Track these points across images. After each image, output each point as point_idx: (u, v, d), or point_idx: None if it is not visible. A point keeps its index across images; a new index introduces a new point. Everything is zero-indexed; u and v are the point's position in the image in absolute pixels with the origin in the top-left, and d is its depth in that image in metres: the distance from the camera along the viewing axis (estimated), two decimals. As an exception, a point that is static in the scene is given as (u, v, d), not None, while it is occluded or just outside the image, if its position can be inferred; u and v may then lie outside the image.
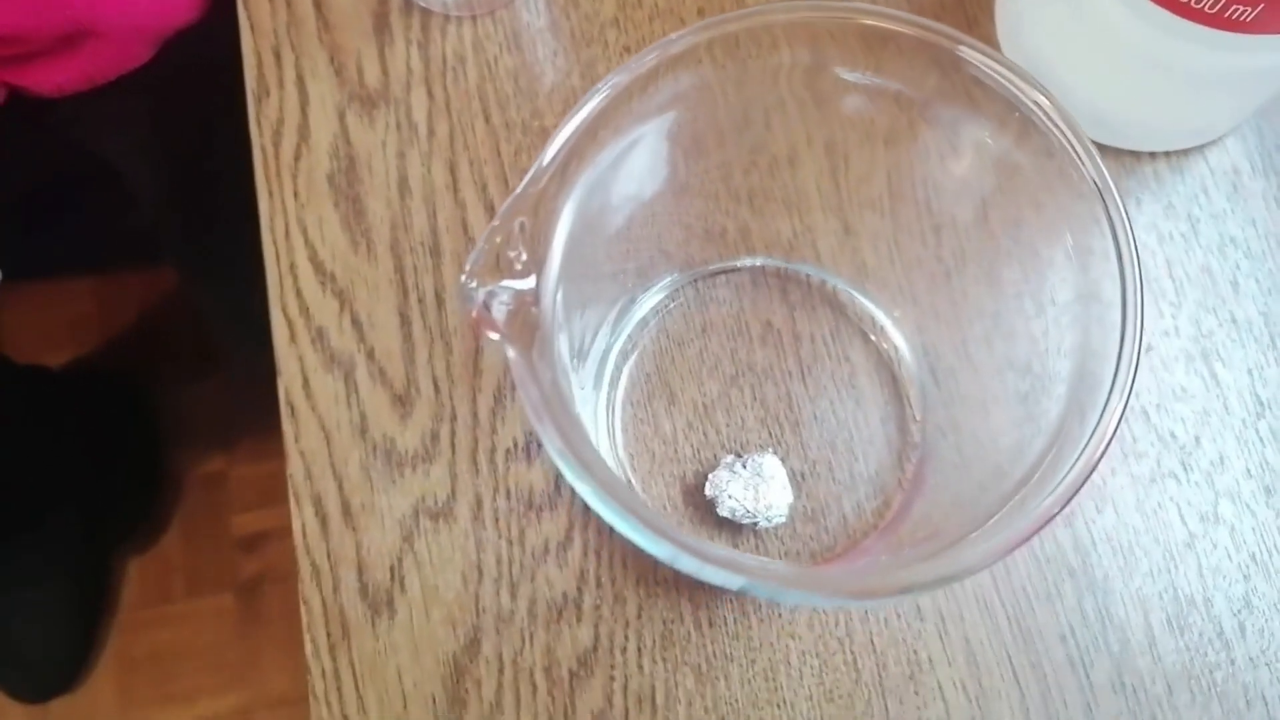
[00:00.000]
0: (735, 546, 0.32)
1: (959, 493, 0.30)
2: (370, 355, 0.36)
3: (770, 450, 0.34)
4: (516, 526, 0.34)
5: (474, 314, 0.22)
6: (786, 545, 0.33)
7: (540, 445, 0.35)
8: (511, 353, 0.21)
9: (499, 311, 0.22)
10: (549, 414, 0.21)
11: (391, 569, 0.34)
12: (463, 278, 0.22)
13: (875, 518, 0.34)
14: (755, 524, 0.33)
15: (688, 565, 0.20)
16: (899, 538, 0.32)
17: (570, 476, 0.20)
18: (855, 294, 0.37)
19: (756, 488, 0.32)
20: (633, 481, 0.33)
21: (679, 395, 0.35)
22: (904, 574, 0.20)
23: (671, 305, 0.37)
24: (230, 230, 0.45)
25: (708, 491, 0.33)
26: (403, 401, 0.35)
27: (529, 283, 0.23)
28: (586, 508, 0.34)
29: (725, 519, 0.33)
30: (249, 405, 0.95)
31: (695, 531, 0.32)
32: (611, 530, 0.34)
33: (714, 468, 0.34)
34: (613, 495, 0.20)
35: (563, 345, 0.27)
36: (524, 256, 0.22)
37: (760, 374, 0.36)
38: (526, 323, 0.22)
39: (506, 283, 0.22)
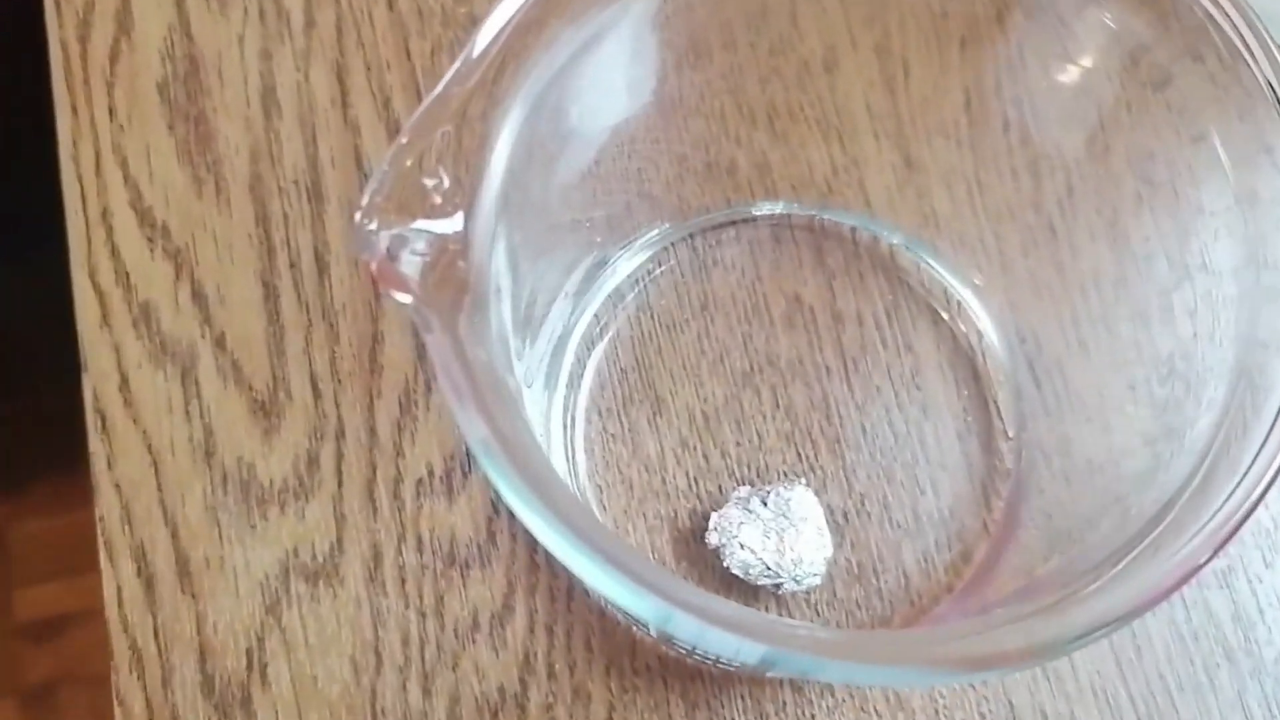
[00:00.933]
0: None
1: (1066, 538, 0.31)
2: (219, 344, 0.36)
3: (800, 481, 0.34)
4: (432, 591, 0.34)
5: (373, 267, 0.22)
6: (823, 616, 0.34)
7: (468, 471, 0.35)
8: (427, 322, 0.21)
9: (410, 264, 0.22)
10: (477, 402, 0.21)
11: (249, 653, 0.33)
12: (358, 215, 0.22)
13: (950, 575, 0.34)
14: (779, 586, 0.33)
15: (684, 629, 0.20)
16: (983, 602, 0.32)
17: (507, 492, 0.20)
18: (921, 256, 0.37)
19: (781, 534, 0.32)
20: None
21: (668, 400, 0.35)
22: (1004, 636, 0.20)
23: (658, 271, 0.37)
24: (29, 180, 0.44)
25: (711, 540, 0.33)
26: (266, 410, 0.35)
27: (454, 224, 0.23)
28: (532, 564, 0.34)
29: (735, 578, 0.33)
30: (44, 432, 0.94)
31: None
32: (569, 594, 0.34)
33: (720, 505, 0.34)
34: (570, 522, 0.20)
35: (504, 318, 0.26)
36: (446, 184, 0.22)
37: (785, 371, 0.36)
38: (450, 280, 0.22)
39: (421, 223, 0.22)
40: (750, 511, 0.33)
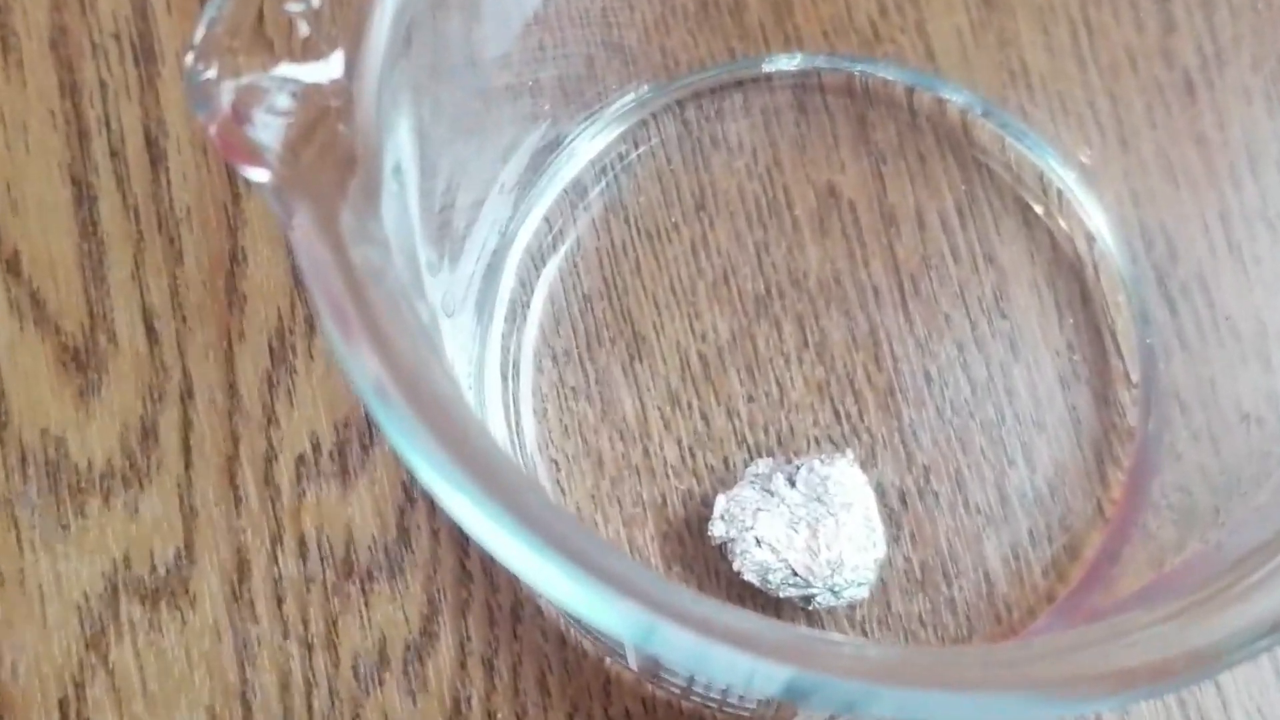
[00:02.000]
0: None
1: (1210, 518, 0.30)
2: (11, 268, 0.36)
3: (844, 453, 0.34)
4: (322, 614, 0.34)
5: (212, 130, 0.21)
6: (873, 637, 0.34)
7: (370, 444, 0.35)
8: (292, 210, 0.21)
9: (268, 127, 0.22)
10: (367, 326, 0.20)
11: (63, 705, 0.33)
12: (189, 57, 0.21)
13: (1052, 578, 0.34)
14: (809, 598, 0.33)
15: (675, 649, 0.19)
16: (1096, 612, 0.32)
17: (413, 456, 0.20)
18: (1006, 127, 0.37)
19: (814, 525, 0.32)
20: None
21: (651, 339, 0.35)
22: (1132, 647, 0.20)
23: (634, 154, 0.36)
24: None
25: (715, 533, 0.33)
26: (81, 362, 0.35)
27: (330, 68, 0.22)
28: (462, 573, 0.34)
29: (749, 586, 0.33)
30: None
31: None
32: (514, 614, 0.34)
33: (728, 485, 0.34)
34: (508, 496, 0.20)
35: (410, 215, 0.26)
36: (317, 6, 0.22)
37: (816, 295, 0.36)
38: (329, 153, 0.22)
39: (283, 68, 0.22)
40: (771, 494, 0.33)
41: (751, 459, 0.34)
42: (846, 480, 0.33)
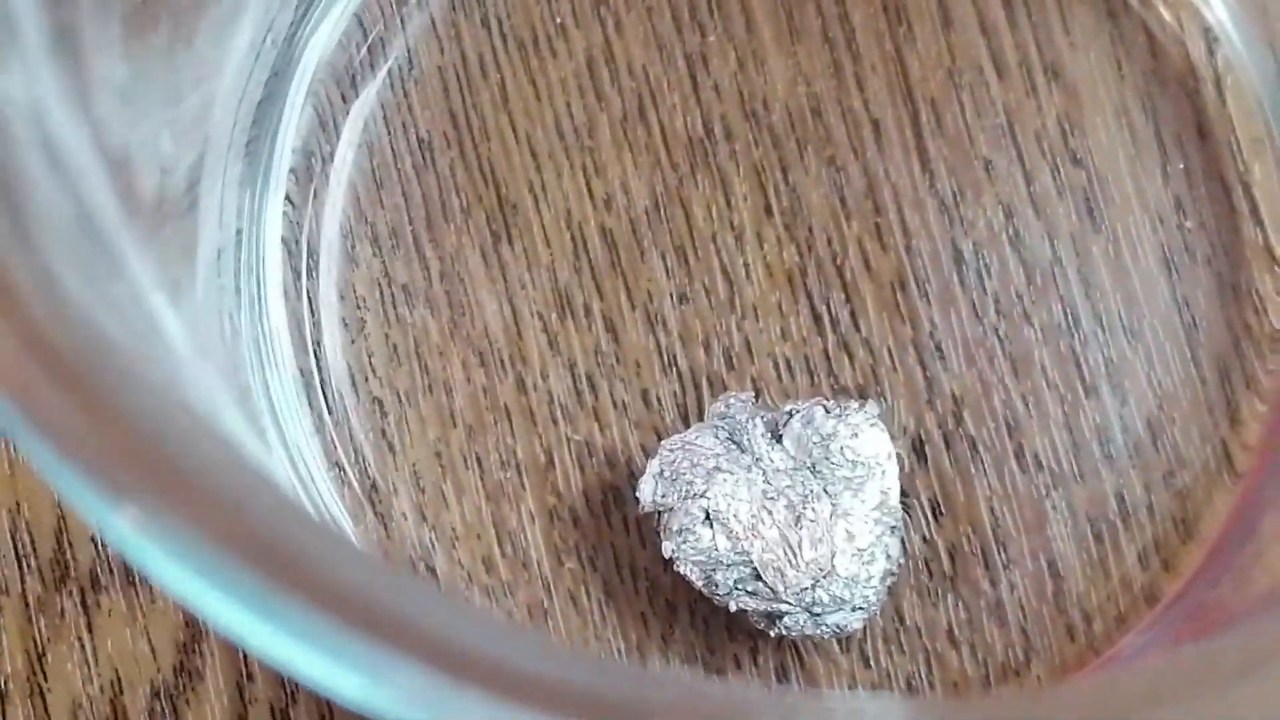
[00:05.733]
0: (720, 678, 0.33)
1: None
2: None
3: (862, 403, 0.33)
4: (20, 644, 0.33)
5: None
6: (877, 670, 0.33)
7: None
8: None
9: None
10: None
11: None
12: None
13: (1150, 566, 0.34)
14: (775, 615, 0.32)
15: None
16: (1218, 616, 0.33)
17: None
18: None
19: (799, 507, 0.32)
20: (368, 477, 0.34)
21: (527, 206, 0.35)
22: None
23: None
24: None
25: (644, 495, 0.32)
26: None
27: None
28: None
29: (689, 589, 0.32)
30: None
31: (610, 645, 0.34)
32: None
33: (648, 432, 0.34)
34: (195, 516, 0.18)
35: None
36: None
37: (783, 134, 0.35)
38: None
39: None
40: (741, 449, 0.32)
41: (684, 391, 0.33)
42: (861, 445, 0.32)
